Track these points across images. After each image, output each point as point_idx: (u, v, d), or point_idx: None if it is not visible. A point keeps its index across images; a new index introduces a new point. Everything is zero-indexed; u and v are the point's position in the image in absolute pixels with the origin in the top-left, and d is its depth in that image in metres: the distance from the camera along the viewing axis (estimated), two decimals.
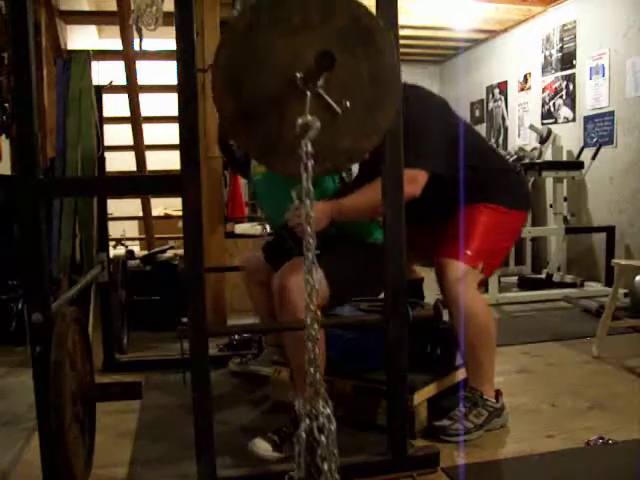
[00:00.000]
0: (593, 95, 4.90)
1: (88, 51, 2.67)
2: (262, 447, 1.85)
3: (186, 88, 1.51)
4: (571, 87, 5.17)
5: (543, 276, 4.84)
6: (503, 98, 6.27)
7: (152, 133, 4.99)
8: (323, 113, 1.38)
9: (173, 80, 1.54)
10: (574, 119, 5.15)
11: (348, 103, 1.41)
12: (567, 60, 5.21)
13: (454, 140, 2.07)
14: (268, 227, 2.54)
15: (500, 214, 2.15)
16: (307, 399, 1.32)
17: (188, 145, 1.52)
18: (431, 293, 2.43)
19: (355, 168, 2.29)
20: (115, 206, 4.83)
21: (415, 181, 1.95)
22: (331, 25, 1.40)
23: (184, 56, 1.50)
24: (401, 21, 1.67)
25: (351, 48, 1.41)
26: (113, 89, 3.80)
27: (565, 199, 4.90)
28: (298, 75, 1.35)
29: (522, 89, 5.90)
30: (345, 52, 1.40)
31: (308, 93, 1.35)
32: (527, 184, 2.45)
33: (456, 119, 2.19)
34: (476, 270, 2.09)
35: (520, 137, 5.93)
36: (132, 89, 4.22)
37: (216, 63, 1.41)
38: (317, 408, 1.30)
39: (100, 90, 2.79)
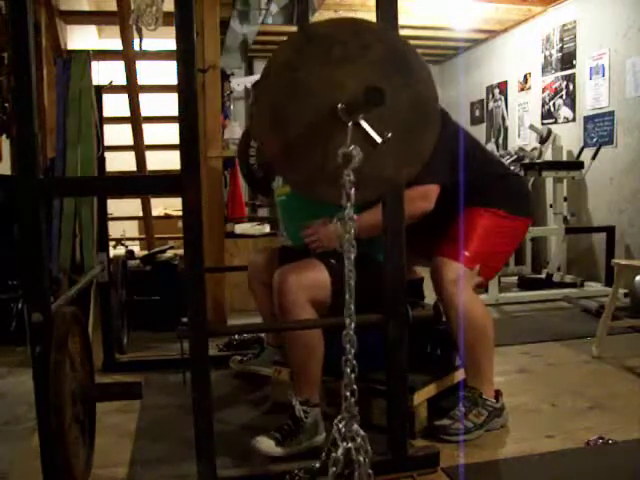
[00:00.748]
0: (593, 95, 4.90)
1: (88, 51, 2.67)
2: (265, 444, 1.85)
3: (186, 88, 1.51)
4: (571, 87, 5.17)
5: (543, 276, 4.84)
6: (503, 98, 6.27)
7: (152, 133, 4.99)
8: (364, 143, 1.39)
9: (173, 80, 1.54)
10: (574, 119, 5.15)
11: (390, 134, 1.42)
12: (567, 60, 5.21)
13: (455, 148, 2.09)
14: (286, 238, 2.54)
15: (500, 218, 2.16)
16: (341, 421, 1.37)
17: (188, 145, 1.52)
18: (431, 293, 2.42)
19: None
20: (115, 206, 4.84)
21: (428, 197, 2.00)
22: (370, 55, 1.41)
23: (184, 56, 1.50)
24: (401, 21, 1.67)
25: (389, 77, 1.42)
26: (113, 89, 3.80)
27: (565, 199, 4.90)
28: (339, 106, 1.36)
29: (522, 89, 5.90)
30: (384, 81, 1.40)
31: (349, 124, 1.35)
32: (528, 187, 2.44)
33: (456, 127, 2.20)
34: (473, 272, 2.09)
35: (520, 137, 5.93)
36: (132, 89, 4.22)
37: (258, 99, 1.42)
38: (354, 429, 1.35)
39: (100, 90, 2.79)
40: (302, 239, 2.09)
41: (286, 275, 1.92)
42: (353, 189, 1.33)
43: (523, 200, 2.30)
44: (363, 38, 1.40)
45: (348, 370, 1.38)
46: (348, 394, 1.37)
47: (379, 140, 1.39)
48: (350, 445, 1.34)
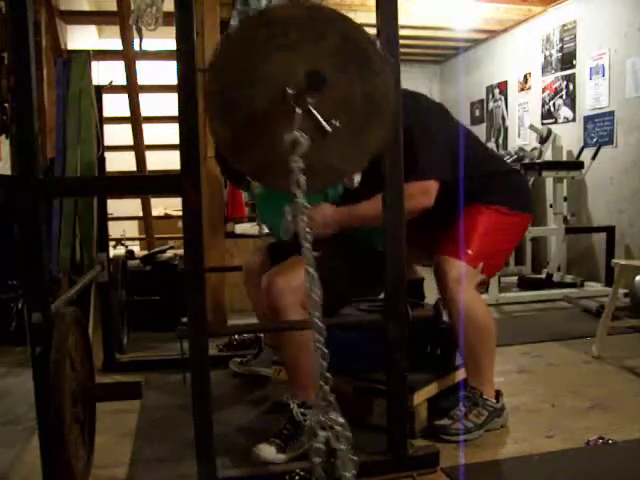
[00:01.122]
0: (593, 95, 4.90)
1: (88, 51, 2.67)
2: (266, 451, 1.84)
3: (186, 88, 1.51)
4: (571, 87, 5.17)
5: (543, 276, 4.84)
6: (503, 98, 6.27)
7: (152, 133, 4.99)
8: (313, 131, 1.39)
9: (173, 80, 1.54)
10: (574, 119, 5.15)
11: (338, 122, 1.41)
12: (567, 60, 5.21)
13: (455, 145, 2.08)
14: (266, 229, 2.52)
15: (501, 215, 2.15)
16: (319, 410, 1.34)
17: (188, 145, 1.52)
18: (431, 293, 2.42)
19: (357, 177, 2.30)
20: (115, 206, 4.83)
21: (427, 192, 1.97)
22: (325, 43, 1.40)
23: (184, 56, 1.50)
24: (401, 21, 1.66)
25: (343, 66, 1.41)
26: (113, 89, 3.79)
27: (565, 199, 4.90)
28: (289, 91, 1.36)
29: (522, 89, 5.90)
30: (337, 69, 1.40)
31: (298, 110, 1.35)
32: (528, 183, 2.44)
33: (456, 124, 2.20)
34: (476, 270, 2.09)
35: (520, 137, 5.93)
36: (132, 89, 4.22)
37: (209, 84, 1.41)
38: (332, 418, 1.33)
39: (100, 90, 2.79)
40: (283, 230, 2.06)
41: (274, 278, 1.91)
42: (303, 176, 1.32)
43: (524, 196, 2.30)
44: (320, 25, 1.39)
45: (320, 358, 1.34)
46: (322, 382, 1.34)
47: (328, 129, 1.39)
48: (329, 434, 1.31)
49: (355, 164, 1.53)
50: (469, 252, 2.08)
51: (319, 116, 1.38)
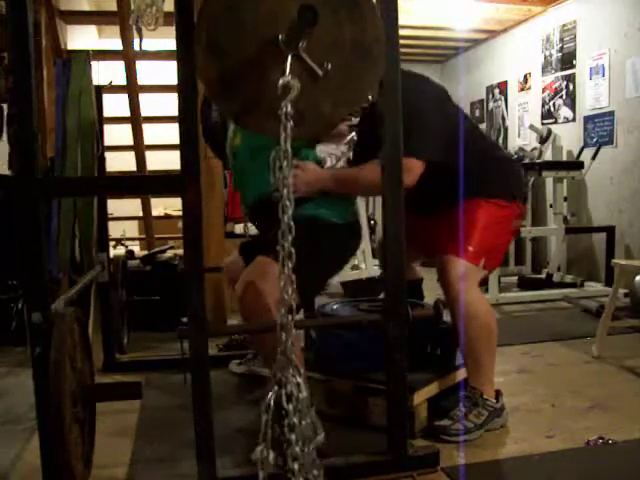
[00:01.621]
0: (593, 95, 4.90)
1: (88, 51, 2.67)
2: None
3: (186, 88, 1.51)
4: (571, 87, 5.17)
5: (543, 276, 4.84)
6: (503, 98, 6.27)
7: (152, 133, 4.99)
8: (304, 76, 1.37)
9: (173, 80, 1.54)
10: (574, 119, 5.15)
11: (329, 65, 1.39)
12: (567, 60, 5.21)
13: (453, 130, 2.06)
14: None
15: (500, 208, 2.15)
16: (278, 367, 1.28)
17: (188, 145, 1.52)
18: (431, 293, 2.42)
19: (343, 146, 2.27)
20: (115, 206, 4.83)
21: (410, 171, 1.91)
22: None
23: (184, 56, 1.50)
24: (401, 21, 1.66)
25: (334, 8, 1.39)
26: (113, 89, 3.79)
27: (565, 199, 4.90)
28: (280, 36, 1.34)
29: (522, 89, 5.90)
30: (328, 11, 1.37)
31: (289, 54, 1.33)
32: (522, 174, 2.42)
33: (455, 109, 2.18)
34: (478, 267, 2.09)
35: (520, 137, 5.93)
36: (132, 89, 4.22)
37: (198, 24, 1.39)
38: (287, 376, 1.26)
39: (100, 90, 2.79)
40: (256, 192, 2.00)
41: (247, 284, 1.81)
42: (290, 122, 1.29)
43: (520, 185, 2.29)
44: None
45: (282, 310, 1.29)
46: (284, 337, 1.28)
47: (320, 72, 1.37)
48: (283, 391, 1.26)
49: (345, 111, 1.51)
50: (470, 249, 2.07)
51: (309, 60, 1.36)
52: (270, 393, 1.27)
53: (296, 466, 1.25)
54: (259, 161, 1.79)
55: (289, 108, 1.29)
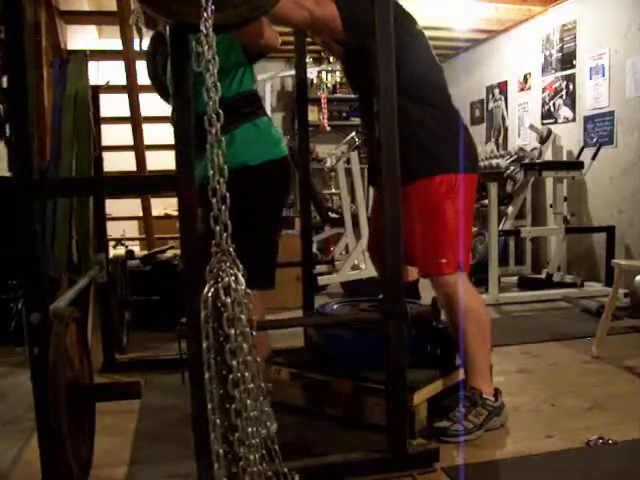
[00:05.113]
0: (593, 95, 4.90)
1: (85, 51, 2.67)
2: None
3: (182, 89, 1.50)
4: (571, 87, 5.16)
5: (543, 276, 4.84)
6: (503, 98, 6.27)
7: (152, 133, 4.98)
8: None
9: None
10: (574, 119, 5.14)
11: None
12: (567, 60, 5.20)
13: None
14: None
15: (459, 187, 2.02)
16: (213, 263, 1.25)
17: (183, 144, 1.52)
18: (427, 293, 2.42)
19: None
20: (115, 206, 4.83)
21: (318, 3, 1.91)
22: None
23: (180, 57, 1.49)
24: None
25: None
26: (113, 89, 3.79)
27: (565, 199, 4.90)
28: None
29: (522, 89, 5.90)
30: None
31: None
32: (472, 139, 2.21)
33: (414, 30, 2.10)
34: (458, 272, 2.07)
35: (520, 137, 5.93)
36: (132, 89, 4.22)
37: None
38: (223, 269, 1.23)
39: (97, 90, 2.78)
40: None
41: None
42: (212, 6, 1.24)
43: (473, 153, 2.16)
44: None
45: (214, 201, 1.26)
46: (218, 228, 1.25)
47: None
48: (219, 285, 1.23)
49: None
50: (444, 261, 2.04)
51: None
52: (207, 287, 1.23)
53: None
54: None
55: None
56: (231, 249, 1.24)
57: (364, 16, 1.73)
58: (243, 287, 1.24)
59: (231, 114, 1.80)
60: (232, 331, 1.23)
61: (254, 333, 1.26)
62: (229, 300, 1.23)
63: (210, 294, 1.24)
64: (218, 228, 1.25)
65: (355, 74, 2.17)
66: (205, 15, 1.24)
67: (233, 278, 1.23)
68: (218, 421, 1.27)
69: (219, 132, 1.26)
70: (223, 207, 1.25)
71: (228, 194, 1.28)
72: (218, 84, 1.26)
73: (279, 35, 1.92)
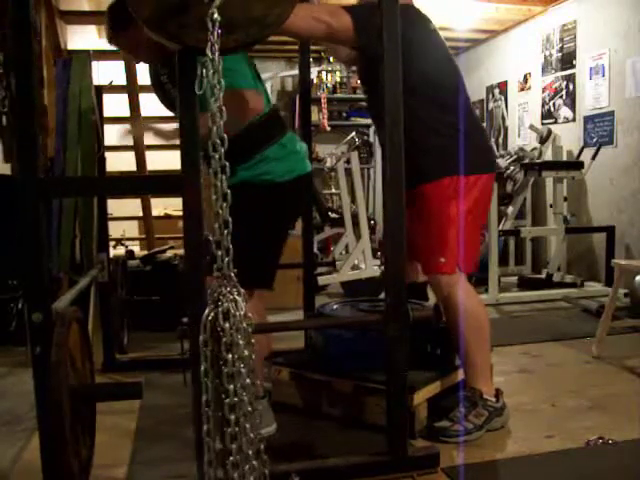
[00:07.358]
0: (593, 95, 4.90)
1: (88, 51, 2.67)
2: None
3: (186, 89, 1.50)
4: (571, 87, 5.17)
5: (543, 276, 4.84)
6: (503, 98, 6.27)
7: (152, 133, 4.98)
8: None
9: None
10: (574, 119, 5.14)
11: None
12: (567, 60, 5.21)
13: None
14: None
15: (469, 188, 2.03)
16: (215, 286, 1.26)
17: (189, 145, 1.52)
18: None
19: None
20: (115, 206, 4.83)
21: (335, 14, 1.92)
22: None
23: (182, 56, 1.49)
24: None
25: None
26: (113, 89, 3.79)
27: (565, 199, 4.90)
28: None
29: (522, 89, 5.90)
30: None
31: None
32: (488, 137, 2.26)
33: (436, 34, 2.18)
34: (456, 273, 2.06)
35: (520, 137, 5.93)
36: (132, 89, 4.22)
37: None
38: (223, 293, 1.24)
39: (100, 90, 2.79)
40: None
41: None
42: (218, 30, 1.24)
43: (487, 154, 2.18)
44: None
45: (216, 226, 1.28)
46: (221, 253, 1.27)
47: None
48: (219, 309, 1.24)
49: (280, 10, 1.43)
50: (442, 260, 2.04)
51: None
52: (207, 310, 1.24)
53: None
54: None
55: (216, 15, 1.24)
56: (232, 274, 1.26)
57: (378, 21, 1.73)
58: (243, 312, 1.25)
59: (258, 136, 1.92)
60: (229, 356, 1.25)
61: (253, 357, 1.28)
62: (227, 325, 1.24)
63: (210, 318, 1.26)
64: (220, 253, 1.27)
65: (372, 78, 2.15)
66: (212, 39, 1.26)
67: (233, 304, 1.25)
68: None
69: (223, 157, 1.28)
70: (225, 232, 1.27)
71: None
72: (224, 108, 1.27)
73: (278, 35, 1.92)
